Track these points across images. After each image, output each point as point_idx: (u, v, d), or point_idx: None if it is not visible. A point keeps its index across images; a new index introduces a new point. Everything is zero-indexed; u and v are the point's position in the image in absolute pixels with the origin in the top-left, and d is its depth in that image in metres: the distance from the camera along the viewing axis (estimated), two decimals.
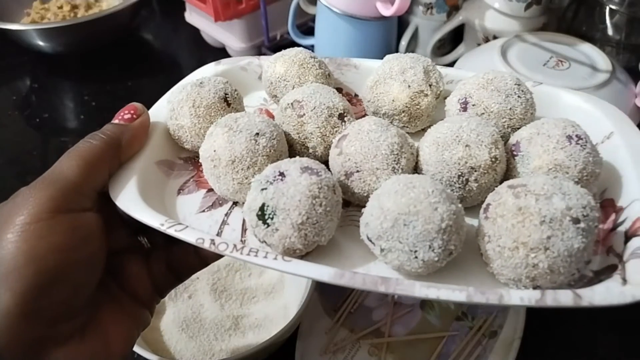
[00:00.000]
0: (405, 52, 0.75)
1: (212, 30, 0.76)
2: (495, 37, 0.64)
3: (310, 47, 0.70)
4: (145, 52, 0.85)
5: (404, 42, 0.71)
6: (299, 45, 0.72)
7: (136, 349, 0.39)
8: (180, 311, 0.46)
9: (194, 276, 0.49)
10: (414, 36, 0.71)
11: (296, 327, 0.43)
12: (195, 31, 0.80)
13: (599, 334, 0.46)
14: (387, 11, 0.58)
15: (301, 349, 0.44)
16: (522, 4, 0.62)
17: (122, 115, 0.32)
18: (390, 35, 0.65)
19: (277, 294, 0.48)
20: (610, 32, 0.62)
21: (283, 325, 0.41)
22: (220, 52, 0.78)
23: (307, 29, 0.74)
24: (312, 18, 0.68)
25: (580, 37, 0.60)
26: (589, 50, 0.57)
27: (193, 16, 0.78)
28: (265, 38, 0.72)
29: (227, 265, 0.49)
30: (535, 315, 0.45)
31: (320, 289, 0.48)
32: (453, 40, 0.73)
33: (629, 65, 0.60)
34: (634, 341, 0.46)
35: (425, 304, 0.47)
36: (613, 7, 0.61)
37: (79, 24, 0.72)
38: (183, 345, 0.44)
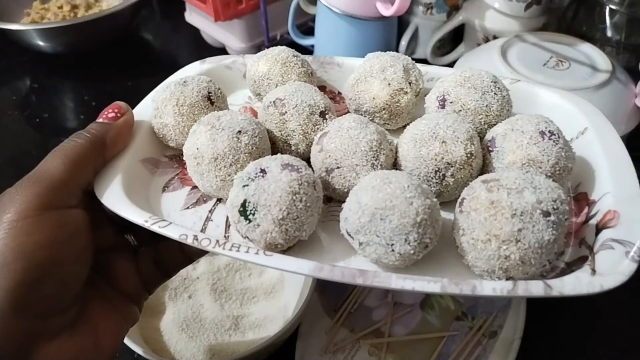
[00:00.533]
0: (405, 52, 0.75)
1: (212, 30, 0.76)
2: (495, 37, 0.65)
3: (310, 47, 0.70)
4: (145, 52, 0.85)
5: (404, 42, 0.71)
6: (299, 45, 0.72)
7: (136, 349, 0.40)
8: (180, 311, 0.46)
9: (194, 276, 0.49)
10: (414, 36, 0.72)
11: (296, 327, 0.43)
12: (195, 31, 0.80)
13: (599, 334, 0.47)
14: (387, 11, 0.58)
15: (301, 349, 0.44)
16: (522, 4, 0.63)
17: (107, 114, 0.33)
18: (390, 35, 0.66)
19: (277, 294, 0.48)
20: (610, 32, 0.63)
21: (283, 325, 0.41)
22: (220, 52, 0.78)
23: (307, 29, 0.74)
24: (312, 18, 0.68)
25: (580, 37, 0.60)
26: (589, 50, 0.58)
27: (193, 16, 0.78)
28: (265, 38, 0.73)
29: (227, 265, 0.50)
30: (535, 315, 0.45)
31: (320, 289, 0.48)
32: (453, 40, 0.73)
33: (629, 65, 0.61)
34: (635, 342, 0.46)
35: (425, 304, 0.47)
36: (613, 7, 0.61)
37: (79, 24, 0.73)
38: (183, 345, 0.44)
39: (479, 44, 0.67)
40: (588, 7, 0.65)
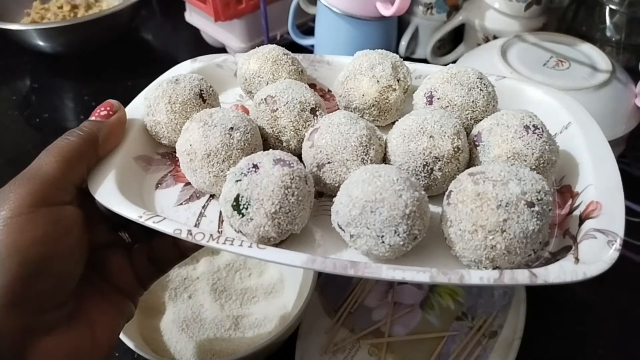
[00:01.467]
0: (405, 52, 0.75)
1: (212, 30, 0.77)
2: (495, 37, 0.65)
3: (310, 47, 0.70)
4: (145, 52, 0.86)
5: (404, 42, 0.71)
6: (299, 45, 0.72)
7: (136, 349, 0.40)
8: (180, 311, 0.47)
9: (194, 276, 0.49)
10: (414, 36, 0.72)
11: (296, 327, 0.44)
12: (195, 31, 0.81)
13: (599, 334, 0.47)
14: (387, 11, 0.58)
15: (301, 349, 0.44)
16: (522, 4, 0.63)
17: (99, 112, 0.33)
18: (390, 35, 0.66)
19: (277, 294, 0.48)
20: (610, 32, 0.63)
21: (283, 325, 0.41)
22: (220, 52, 0.78)
23: (307, 29, 0.75)
24: (312, 18, 0.69)
25: (580, 37, 0.60)
26: (589, 50, 0.58)
27: (193, 16, 0.79)
28: (265, 38, 0.73)
29: (227, 265, 0.50)
30: (535, 315, 0.46)
31: (320, 289, 0.48)
32: (453, 40, 0.74)
33: (629, 65, 0.61)
34: (634, 342, 0.46)
35: (425, 303, 0.48)
36: (613, 7, 0.62)
37: (79, 24, 0.74)
38: (183, 345, 0.44)
39: (479, 44, 0.67)
40: (588, 7, 0.65)
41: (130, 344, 0.40)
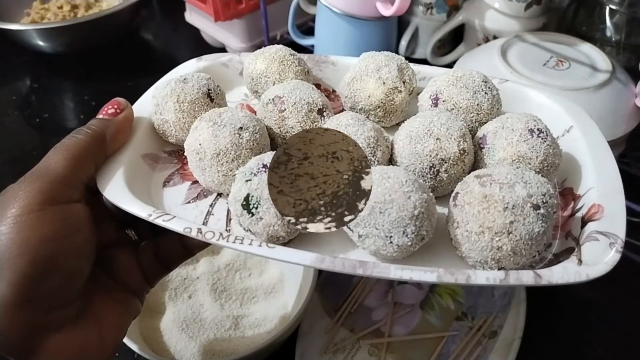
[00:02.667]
0: (405, 52, 0.75)
1: (212, 30, 0.77)
2: (495, 37, 0.65)
3: (310, 47, 0.70)
4: (145, 52, 0.86)
5: (404, 42, 0.71)
6: (299, 45, 0.72)
7: (136, 349, 0.40)
8: (180, 311, 0.47)
9: (194, 276, 0.49)
10: (414, 36, 0.72)
11: (296, 327, 0.44)
12: (195, 31, 0.81)
13: (599, 334, 0.47)
14: (387, 11, 0.58)
15: (301, 349, 0.44)
16: (522, 4, 0.63)
17: (106, 110, 0.33)
18: (390, 35, 0.66)
19: (277, 294, 0.48)
20: (610, 32, 0.63)
21: (283, 325, 0.41)
22: (221, 52, 0.78)
23: (307, 29, 0.75)
24: (312, 18, 0.69)
25: (580, 37, 0.60)
26: (589, 50, 0.58)
27: (193, 16, 0.79)
28: (265, 38, 0.73)
29: (227, 265, 0.50)
30: (535, 315, 0.46)
31: (320, 289, 0.48)
32: (453, 40, 0.74)
33: (629, 65, 0.61)
34: (634, 343, 0.46)
35: (425, 304, 0.48)
36: (613, 7, 0.62)
37: (79, 24, 0.74)
38: (183, 345, 0.44)
39: (479, 44, 0.67)
40: (588, 7, 0.65)
41: (130, 343, 0.40)
